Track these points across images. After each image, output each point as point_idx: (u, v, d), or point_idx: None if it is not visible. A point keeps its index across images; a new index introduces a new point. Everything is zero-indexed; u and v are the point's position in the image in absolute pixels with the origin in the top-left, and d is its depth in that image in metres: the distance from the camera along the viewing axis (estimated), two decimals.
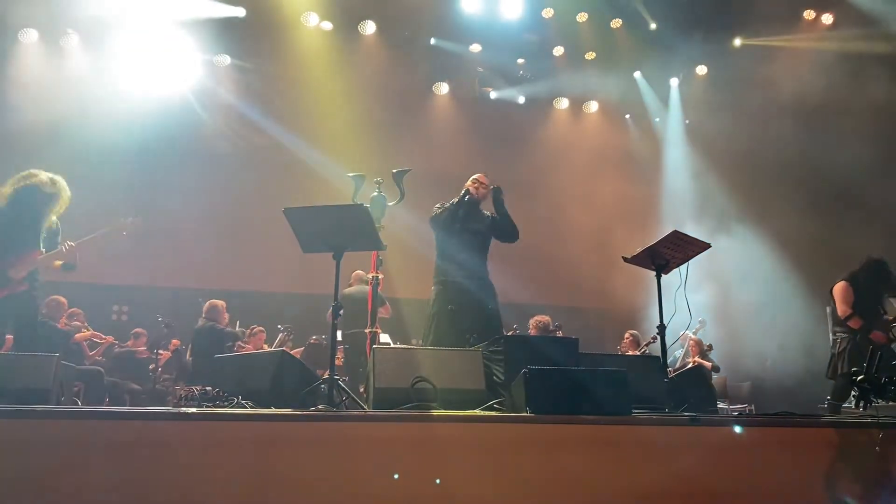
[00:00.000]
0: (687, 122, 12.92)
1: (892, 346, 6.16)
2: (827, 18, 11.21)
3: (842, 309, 6.23)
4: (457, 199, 5.61)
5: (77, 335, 8.17)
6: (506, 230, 5.68)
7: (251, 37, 11.31)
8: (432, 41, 11.84)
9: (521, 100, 12.89)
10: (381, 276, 5.54)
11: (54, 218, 5.38)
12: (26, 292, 5.18)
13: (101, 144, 10.45)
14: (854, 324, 6.14)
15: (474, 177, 5.78)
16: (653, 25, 11.57)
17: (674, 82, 12.84)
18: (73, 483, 2.62)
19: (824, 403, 7.09)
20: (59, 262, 5.35)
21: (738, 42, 11.70)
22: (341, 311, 4.26)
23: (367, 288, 8.18)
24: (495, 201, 5.68)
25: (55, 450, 2.65)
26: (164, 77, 11.26)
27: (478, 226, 5.67)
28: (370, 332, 5.30)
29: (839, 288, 6.32)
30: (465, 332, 5.19)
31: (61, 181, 5.38)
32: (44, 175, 5.31)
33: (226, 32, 11.26)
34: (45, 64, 10.60)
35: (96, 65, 10.79)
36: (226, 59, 11.48)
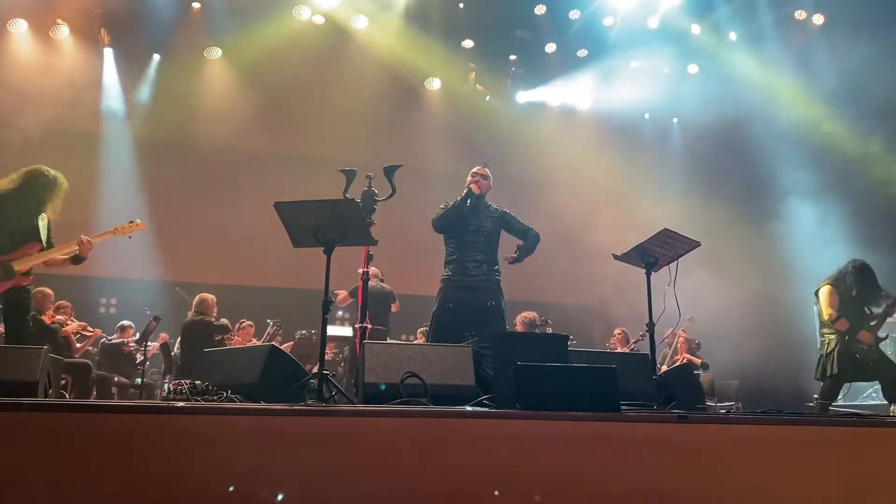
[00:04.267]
0: (675, 120, 12.97)
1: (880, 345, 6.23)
2: None
3: (827, 312, 6.30)
4: (459, 200, 5.58)
5: (65, 328, 8.11)
6: (531, 249, 5.73)
7: (242, 30, 11.27)
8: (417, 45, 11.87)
9: (520, 98, 12.94)
10: (371, 271, 5.53)
11: (50, 213, 5.33)
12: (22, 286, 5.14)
13: (93, 138, 10.41)
14: (841, 326, 6.20)
15: (474, 170, 5.73)
16: (651, 22, 11.63)
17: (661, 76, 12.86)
18: (60, 476, 2.61)
19: (812, 402, 7.16)
20: (65, 256, 5.30)
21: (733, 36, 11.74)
22: (331, 307, 4.25)
23: (381, 285, 8.33)
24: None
25: (42, 443, 2.64)
26: (157, 71, 11.24)
27: (484, 223, 5.65)
28: (360, 327, 5.29)
29: (824, 292, 6.40)
30: (463, 329, 5.18)
31: (62, 176, 5.37)
32: (53, 172, 5.33)
33: (217, 26, 11.23)
34: (35, 55, 10.52)
35: (86, 57, 10.74)
36: (216, 52, 11.44)
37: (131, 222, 5.56)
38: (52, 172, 5.31)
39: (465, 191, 5.60)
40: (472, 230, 5.58)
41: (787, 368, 9.47)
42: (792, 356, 9.60)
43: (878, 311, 6.30)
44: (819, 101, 10.62)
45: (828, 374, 6.25)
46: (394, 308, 8.37)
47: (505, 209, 5.79)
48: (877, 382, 6.77)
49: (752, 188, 11.15)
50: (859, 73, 9.54)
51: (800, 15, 11.24)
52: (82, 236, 5.25)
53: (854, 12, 10.09)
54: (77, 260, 5.32)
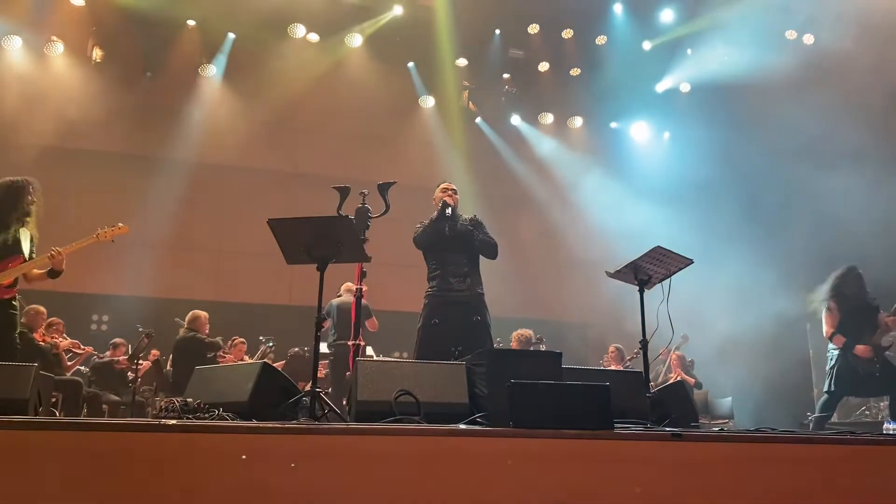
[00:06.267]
0: (666, 135, 13.04)
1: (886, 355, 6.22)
2: None
3: (825, 329, 6.37)
4: (437, 215, 5.56)
5: (56, 345, 8.05)
6: (485, 251, 5.64)
7: (237, 48, 11.33)
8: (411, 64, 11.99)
9: (515, 120, 13.03)
10: (365, 289, 5.51)
11: (32, 227, 5.18)
12: (6, 300, 5.00)
13: (84, 152, 10.39)
14: (837, 342, 6.24)
15: (443, 186, 5.72)
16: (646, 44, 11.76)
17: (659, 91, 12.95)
18: (50, 495, 2.58)
19: (807, 420, 7.16)
20: (41, 271, 5.15)
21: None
22: (325, 324, 4.24)
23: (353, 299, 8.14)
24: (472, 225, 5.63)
25: (32, 461, 2.61)
26: (151, 87, 11.25)
27: (463, 235, 5.62)
28: (353, 344, 5.27)
29: (824, 308, 6.44)
30: (449, 345, 5.15)
31: (37, 182, 5.21)
32: (21, 177, 5.16)
33: (211, 43, 11.28)
34: (29, 71, 10.53)
35: (80, 73, 10.76)
36: (211, 70, 11.47)
37: (114, 226, 5.47)
38: (30, 180, 5.15)
39: (439, 205, 5.57)
40: (452, 244, 5.55)
41: (782, 386, 9.47)
42: (786, 374, 9.60)
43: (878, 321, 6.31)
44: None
45: (825, 390, 6.32)
46: (370, 326, 7.93)
47: (476, 216, 5.76)
48: (872, 399, 6.79)
49: (747, 201, 11.18)
50: None
51: (791, 35, 11.34)
52: (53, 249, 5.10)
53: None
54: (53, 274, 5.15)
